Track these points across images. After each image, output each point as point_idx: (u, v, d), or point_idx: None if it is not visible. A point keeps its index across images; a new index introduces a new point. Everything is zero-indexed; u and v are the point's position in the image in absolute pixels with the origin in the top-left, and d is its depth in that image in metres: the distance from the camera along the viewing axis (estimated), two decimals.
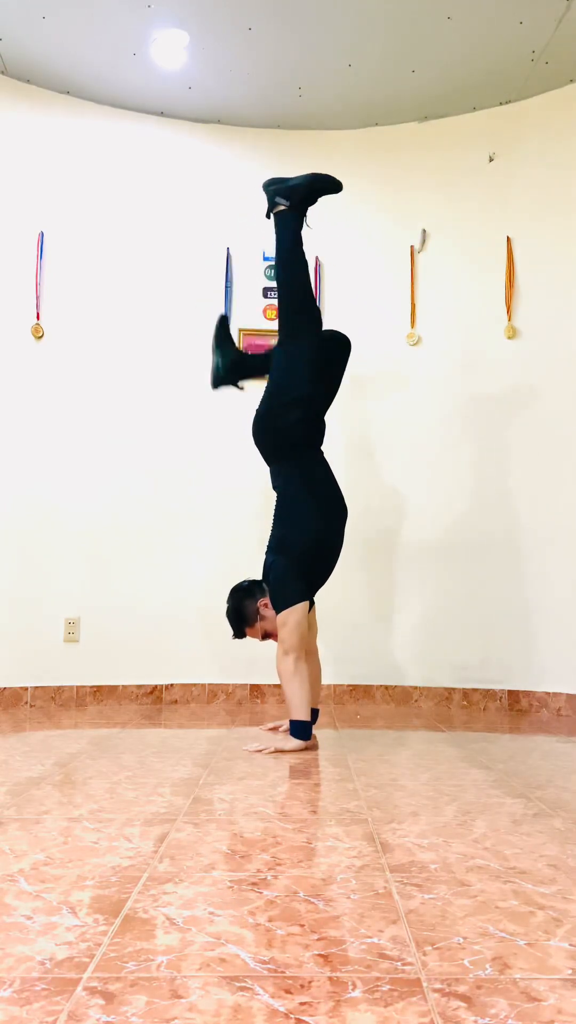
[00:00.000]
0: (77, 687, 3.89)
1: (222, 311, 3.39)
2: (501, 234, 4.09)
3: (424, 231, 4.18)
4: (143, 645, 3.94)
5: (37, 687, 3.84)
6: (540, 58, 3.74)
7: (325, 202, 4.23)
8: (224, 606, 3.01)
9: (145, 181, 4.20)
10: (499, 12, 3.45)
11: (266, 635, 2.97)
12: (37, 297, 4.00)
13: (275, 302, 4.20)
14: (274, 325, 4.18)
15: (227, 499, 4.06)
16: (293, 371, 3.01)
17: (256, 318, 4.20)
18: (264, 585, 2.96)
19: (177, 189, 4.21)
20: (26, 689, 3.82)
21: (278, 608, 2.86)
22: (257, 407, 3.07)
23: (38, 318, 4.00)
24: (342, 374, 3.18)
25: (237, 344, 3.42)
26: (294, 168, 4.23)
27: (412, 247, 4.16)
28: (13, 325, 3.97)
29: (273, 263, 3.92)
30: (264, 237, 4.26)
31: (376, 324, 4.15)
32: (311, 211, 3.13)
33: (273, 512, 3.04)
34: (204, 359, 4.17)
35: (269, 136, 4.28)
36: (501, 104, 4.10)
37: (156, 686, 3.95)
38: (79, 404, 4.03)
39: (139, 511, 4.04)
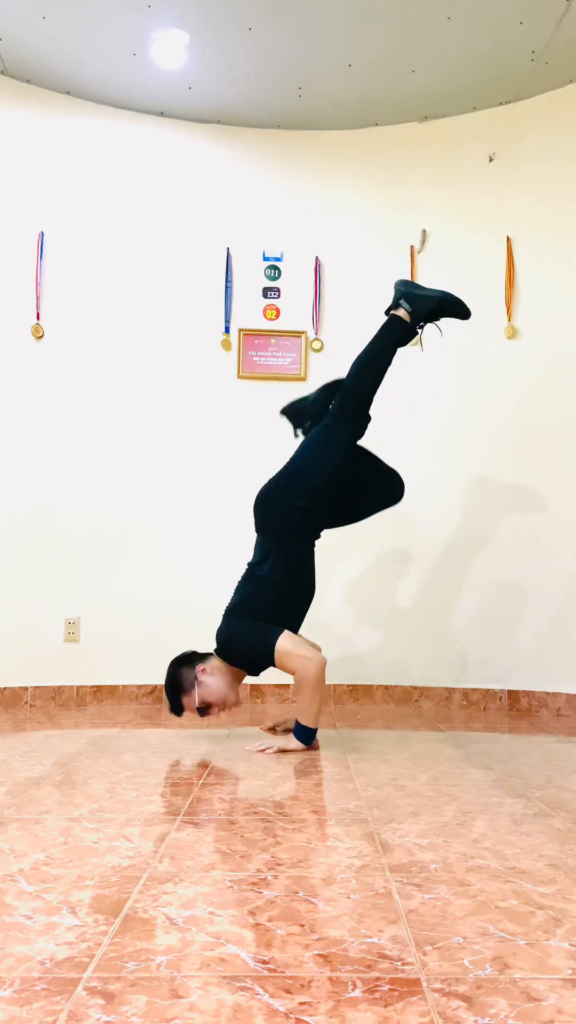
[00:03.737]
0: (77, 687, 3.89)
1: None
2: (501, 234, 4.09)
3: (424, 231, 4.18)
4: (143, 645, 3.94)
5: (37, 687, 3.84)
6: (540, 58, 3.74)
7: (325, 202, 4.27)
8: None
9: (145, 181, 4.20)
10: (499, 12, 3.45)
11: (203, 704, 2.82)
12: (37, 297, 4.00)
13: (275, 302, 4.22)
14: (273, 325, 4.21)
15: (227, 498, 4.06)
16: (318, 461, 2.96)
17: (256, 318, 4.20)
18: (208, 656, 2.90)
19: (177, 189, 4.21)
20: (26, 689, 3.82)
21: (269, 651, 2.75)
22: (270, 478, 3.01)
23: (38, 318, 4.00)
24: (372, 507, 3.13)
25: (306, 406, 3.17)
26: (294, 168, 4.26)
27: (412, 247, 4.16)
28: (13, 325, 3.97)
29: (276, 266, 3.90)
30: (264, 237, 4.28)
31: (376, 325, 4.13)
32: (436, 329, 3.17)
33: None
34: (204, 358, 4.20)
35: (269, 136, 4.28)
36: (501, 104, 4.10)
37: (156, 686, 3.95)
38: (79, 404, 4.03)
39: (139, 511, 4.04)
